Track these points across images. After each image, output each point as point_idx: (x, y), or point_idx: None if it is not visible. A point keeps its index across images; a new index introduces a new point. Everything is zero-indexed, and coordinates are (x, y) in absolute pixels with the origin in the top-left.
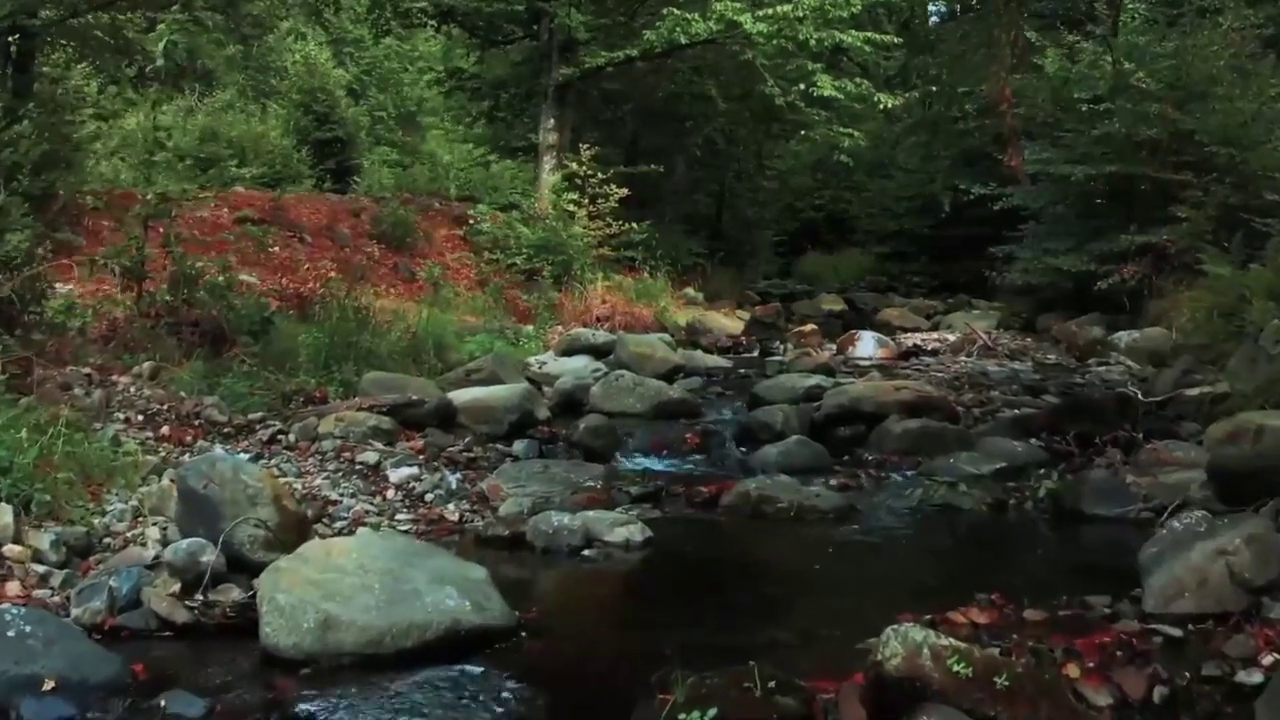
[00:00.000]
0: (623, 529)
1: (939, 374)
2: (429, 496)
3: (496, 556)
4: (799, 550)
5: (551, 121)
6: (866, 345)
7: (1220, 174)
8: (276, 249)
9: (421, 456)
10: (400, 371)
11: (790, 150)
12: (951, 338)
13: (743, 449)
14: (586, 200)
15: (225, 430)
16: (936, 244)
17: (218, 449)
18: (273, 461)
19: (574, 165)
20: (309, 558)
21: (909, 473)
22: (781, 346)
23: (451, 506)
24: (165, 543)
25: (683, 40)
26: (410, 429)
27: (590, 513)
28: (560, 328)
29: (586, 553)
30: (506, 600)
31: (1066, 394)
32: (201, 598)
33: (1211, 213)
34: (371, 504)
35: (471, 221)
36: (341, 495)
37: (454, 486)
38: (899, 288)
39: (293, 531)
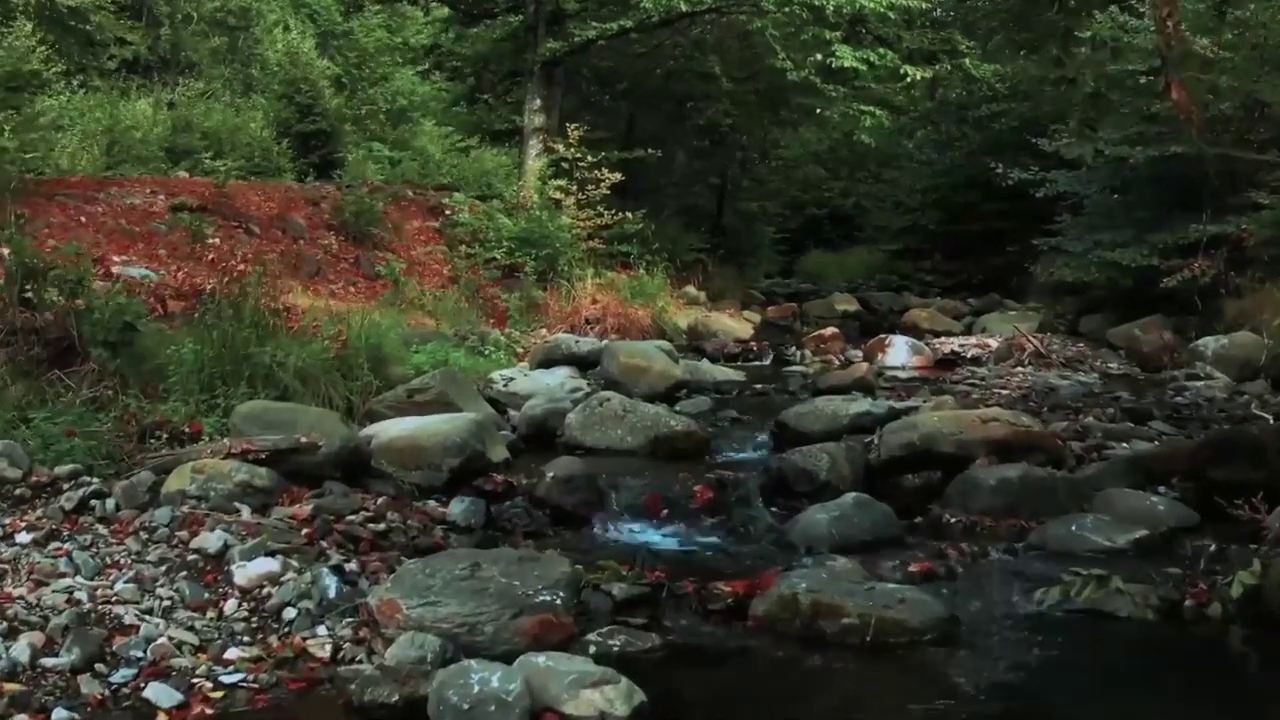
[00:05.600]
0: (594, 692)
1: (1000, 389)
2: (290, 613)
3: None
4: None
5: (538, 102)
6: (899, 352)
7: None
8: (216, 241)
9: (305, 531)
10: (321, 393)
11: (799, 138)
12: (993, 343)
13: (775, 509)
14: (575, 187)
15: (17, 492)
16: (951, 240)
17: None
18: (66, 546)
19: (562, 148)
20: None
21: (1016, 546)
22: (798, 353)
23: (323, 631)
24: None
25: (683, 8)
26: (301, 484)
27: (541, 658)
28: (545, 331)
29: None
30: None
31: (1177, 417)
32: None
33: None
34: (193, 628)
35: (447, 212)
36: (148, 613)
37: (332, 594)
38: (911, 287)
39: None
